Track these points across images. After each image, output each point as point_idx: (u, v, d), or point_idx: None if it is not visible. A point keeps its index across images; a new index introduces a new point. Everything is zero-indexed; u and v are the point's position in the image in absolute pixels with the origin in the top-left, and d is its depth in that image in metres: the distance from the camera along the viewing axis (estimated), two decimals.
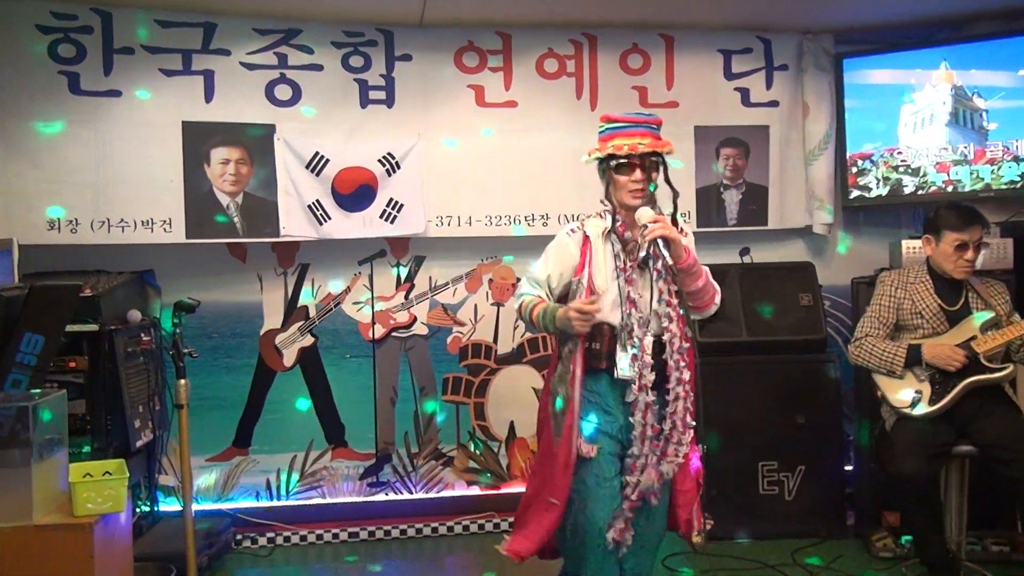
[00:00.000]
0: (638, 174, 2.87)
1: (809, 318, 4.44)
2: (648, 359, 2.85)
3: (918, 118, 4.73)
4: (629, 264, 2.89)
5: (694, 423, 2.96)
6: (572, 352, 2.91)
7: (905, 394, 3.65)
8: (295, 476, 4.67)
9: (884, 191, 4.82)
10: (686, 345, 2.91)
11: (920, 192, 4.75)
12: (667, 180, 2.95)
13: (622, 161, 2.87)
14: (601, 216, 2.98)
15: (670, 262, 2.77)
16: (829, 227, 4.91)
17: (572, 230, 2.99)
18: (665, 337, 2.88)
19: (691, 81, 4.79)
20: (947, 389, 3.59)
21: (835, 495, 4.41)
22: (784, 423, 4.34)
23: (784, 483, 4.36)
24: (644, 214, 2.83)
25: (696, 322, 3.58)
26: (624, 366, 2.86)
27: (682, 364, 2.90)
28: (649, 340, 2.87)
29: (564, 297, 2.99)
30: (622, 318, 2.86)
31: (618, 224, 2.93)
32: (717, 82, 4.82)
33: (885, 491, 4.16)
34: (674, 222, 2.91)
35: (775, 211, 4.89)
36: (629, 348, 2.85)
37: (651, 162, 2.89)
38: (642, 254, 2.89)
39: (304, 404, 4.68)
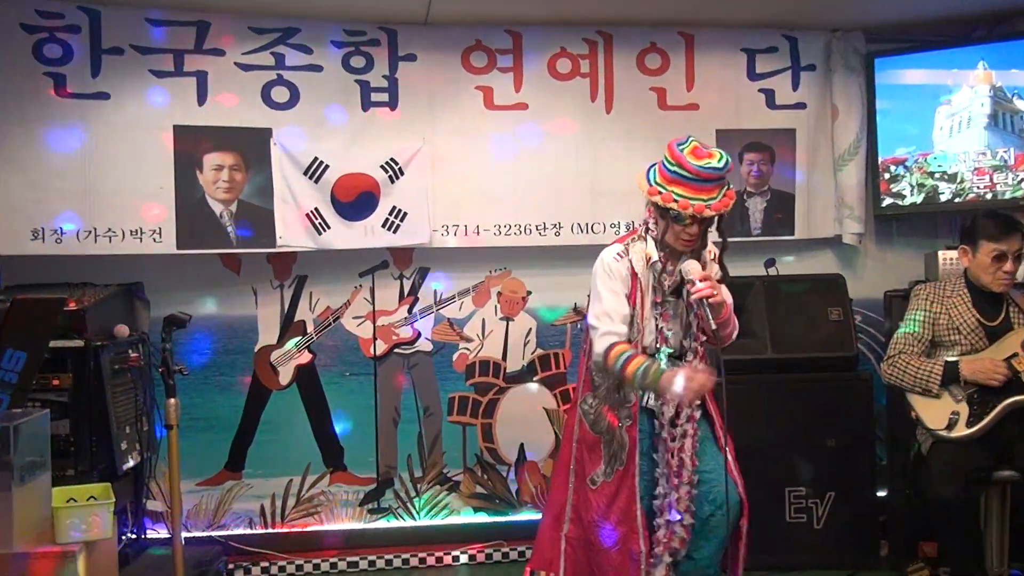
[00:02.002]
0: (695, 229, 2.97)
1: (839, 334, 4.41)
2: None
3: (954, 121, 4.72)
4: (666, 299, 3.05)
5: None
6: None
7: (941, 415, 3.63)
8: (291, 502, 4.66)
9: (919, 198, 4.80)
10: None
11: (957, 199, 4.74)
12: (719, 229, 3.09)
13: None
14: (642, 239, 3.09)
15: (713, 326, 2.90)
16: (860, 237, 4.90)
17: (618, 255, 3.07)
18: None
19: (712, 82, 4.79)
20: (986, 410, 3.57)
21: (867, 523, 4.37)
22: (812, 446, 4.31)
23: (812, 510, 4.33)
24: (692, 267, 2.96)
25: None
26: (651, 396, 3.06)
27: (696, 403, 3.06)
28: None
29: None
30: (654, 352, 3.04)
31: (660, 255, 3.05)
32: (740, 83, 4.82)
33: (921, 519, 4.10)
34: (722, 267, 3.12)
35: (802, 220, 4.89)
36: None
37: (709, 219, 2.98)
38: (686, 301, 3.06)
39: (301, 425, 4.69)
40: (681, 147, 2.92)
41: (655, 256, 3.04)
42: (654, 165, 3.02)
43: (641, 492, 3.04)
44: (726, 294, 3.07)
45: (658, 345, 3.04)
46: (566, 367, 4.84)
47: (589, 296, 3.13)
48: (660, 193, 2.92)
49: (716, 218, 2.98)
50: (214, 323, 4.61)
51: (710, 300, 2.90)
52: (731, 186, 2.99)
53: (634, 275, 3.05)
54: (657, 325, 3.05)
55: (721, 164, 2.90)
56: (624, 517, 3.02)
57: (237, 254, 4.56)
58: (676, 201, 2.88)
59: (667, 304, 3.06)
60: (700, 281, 2.91)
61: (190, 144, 4.38)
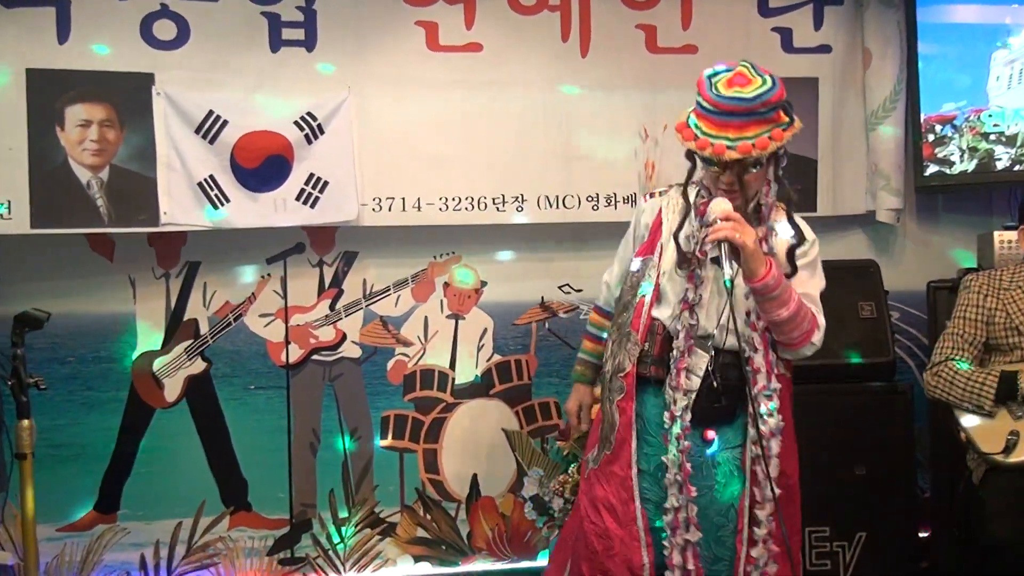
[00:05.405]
0: (727, 177, 2.94)
1: (872, 335, 4.48)
2: (690, 381, 2.99)
3: (1014, 69, 4.79)
4: (698, 256, 3.02)
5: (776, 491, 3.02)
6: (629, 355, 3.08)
7: (997, 436, 3.66)
8: (180, 550, 4.67)
9: (970, 166, 4.87)
10: (775, 386, 3.02)
11: (1017, 168, 4.81)
12: (777, 178, 3.04)
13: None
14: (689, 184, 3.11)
15: (730, 272, 2.83)
16: (898, 214, 4.98)
17: (651, 194, 3.24)
18: (746, 370, 2.98)
19: (714, 19, 4.85)
20: None
21: (906, 571, 4.43)
22: (839, 475, 4.37)
23: (839, 555, 4.39)
24: (717, 206, 2.92)
25: None
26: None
27: (767, 409, 3.00)
28: (701, 359, 3.00)
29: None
30: (674, 320, 3.03)
31: (700, 202, 3.06)
32: (749, 20, 4.89)
33: (972, 564, 4.17)
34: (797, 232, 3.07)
35: (826, 193, 4.96)
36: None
37: (744, 165, 2.92)
38: (711, 253, 3.01)
39: (193, 453, 4.68)
40: (716, 74, 2.88)
41: (693, 197, 3.07)
42: None
43: (642, 489, 3.04)
44: (810, 285, 3.07)
45: (680, 311, 3.00)
46: (531, 377, 4.89)
47: None
48: (684, 129, 2.95)
49: (767, 163, 2.96)
50: (80, 323, 4.59)
51: (734, 242, 2.84)
52: (785, 126, 2.90)
53: (659, 221, 3.13)
54: (686, 293, 3.02)
55: (751, 94, 2.82)
56: (622, 518, 3.05)
57: (109, 234, 4.55)
58: (697, 139, 2.89)
59: (698, 266, 3.02)
60: (722, 221, 2.87)
61: (48, 93, 4.35)
